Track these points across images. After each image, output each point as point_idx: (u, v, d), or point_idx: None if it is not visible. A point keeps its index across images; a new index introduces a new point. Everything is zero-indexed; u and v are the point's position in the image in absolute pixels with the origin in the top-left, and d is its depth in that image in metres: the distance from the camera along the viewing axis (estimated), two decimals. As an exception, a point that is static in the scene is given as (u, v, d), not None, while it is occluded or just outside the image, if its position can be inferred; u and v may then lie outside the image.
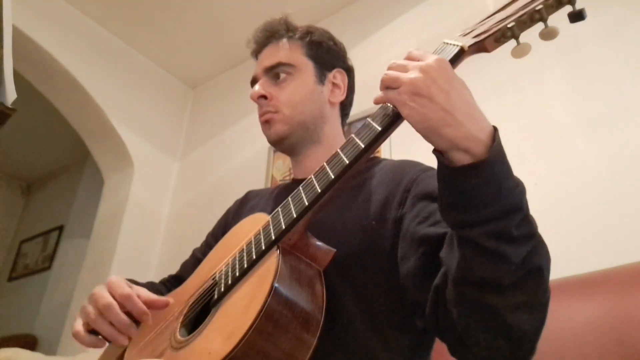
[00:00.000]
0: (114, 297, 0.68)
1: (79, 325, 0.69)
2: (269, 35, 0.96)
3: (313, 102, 0.91)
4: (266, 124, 0.90)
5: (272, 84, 0.91)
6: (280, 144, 0.91)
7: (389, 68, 0.57)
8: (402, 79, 0.54)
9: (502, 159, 0.52)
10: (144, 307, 0.67)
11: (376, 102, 0.59)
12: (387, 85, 0.56)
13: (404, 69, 0.55)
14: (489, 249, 0.51)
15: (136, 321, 0.69)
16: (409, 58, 0.57)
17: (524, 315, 0.53)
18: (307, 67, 0.92)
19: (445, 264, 0.58)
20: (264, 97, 0.90)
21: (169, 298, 0.73)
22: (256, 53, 0.98)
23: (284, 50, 0.93)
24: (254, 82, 0.94)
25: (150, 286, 0.94)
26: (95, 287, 0.73)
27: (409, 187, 0.75)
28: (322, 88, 0.93)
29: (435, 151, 0.54)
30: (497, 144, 0.51)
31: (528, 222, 0.53)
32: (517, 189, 0.53)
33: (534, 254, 0.53)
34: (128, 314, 0.68)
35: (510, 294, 0.52)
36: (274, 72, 0.91)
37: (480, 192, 0.51)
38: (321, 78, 0.94)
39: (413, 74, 0.53)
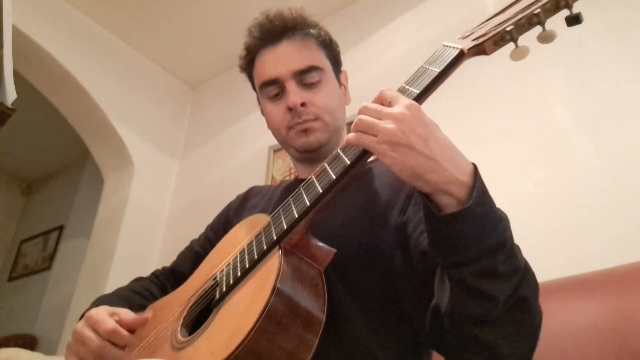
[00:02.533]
0: (100, 335, 0.69)
1: None
2: (284, 29, 0.87)
3: (342, 107, 0.89)
4: (304, 132, 0.84)
5: (302, 88, 0.84)
6: (318, 151, 0.85)
7: (361, 112, 0.56)
8: (379, 128, 0.53)
9: (484, 198, 0.53)
10: (130, 338, 0.69)
11: (350, 144, 0.58)
12: (363, 130, 0.55)
13: (379, 115, 0.54)
14: (476, 289, 0.52)
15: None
16: (381, 100, 0.57)
17: (514, 344, 0.55)
18: (330, 70, 0.89)
19: (437, 296, 0.60)
20: (303, 103, 0.83)
21: (147, 313, 0.73)
22: (261, 40, 0.89)
23: (310, 52, 0.86)
24: (271, 83, 0.86)
25: (138, 289, 0.93)
26: (77, 325, 0.73)
27: (411, 194, 0.75)
28: (341, 91, 0.92)
29: (420, 193, 0.55)
30: (479, 185, 0.52)
31: (513, 257, 0.54)
32: (500, 225, 0.54)
33: (520, 287, 0.54)
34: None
35: (499, 326, 0.54)
36: (304, 76, 0.84)
37: (465, 236, 0.52)
38: (339, 80, 0.91)
39: (390, 125, 0.53)
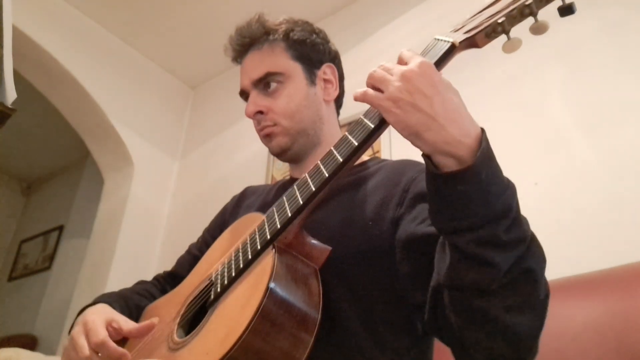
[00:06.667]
0: (90, 346, 0.68)
1: None
2: (249, 42, 0.91)
3: (309, 107, 0.88)
4: (267, 137, 0.88)
5: (264, 95, 0.87)
6: (284, 155, 0.88)
7: (378, 68, 0.57)
8: (386, 84, 0.54)
9: (489, 162, 0.52)
10: (119, 351, 0.66)
11: (355, 99, 0.58)
12: (372, 84, 0.56)
13: (389, 70, 0.55)
14: (477, 256, 0.51)
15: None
16: (398, 59, 0.58)
17: (518, 317, 0.53)
18: (296, 71, 0.88)
19: (436, 267, 0.58)
20: (260, 112, 0.87)
21: (153, 320, 0.71)
22: (236, 59, 0.94)
23: (269, 58, 0.88)
24: (242, 94, 0.92)
25: (139, 290, 0.93)
26: (74, 328, 0.73)
27: (408, 187, 0.74)
28: (314, 89, 0.90)
29: (423, 155, 0.55)
30: (484, 148, 0.51)
31: (518, 225, 0.52)
32: (506, 192, 0.52)
33: (524, 257, 0.52)
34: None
35: (500, 297, 0.52)
36: (263, 82, 0.87)
37: (467, 199, 0.50)
38: (312, 78, 0.90)
39: (396, 82, 0.53)
